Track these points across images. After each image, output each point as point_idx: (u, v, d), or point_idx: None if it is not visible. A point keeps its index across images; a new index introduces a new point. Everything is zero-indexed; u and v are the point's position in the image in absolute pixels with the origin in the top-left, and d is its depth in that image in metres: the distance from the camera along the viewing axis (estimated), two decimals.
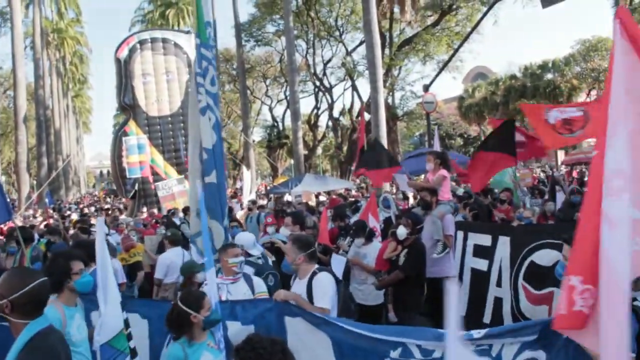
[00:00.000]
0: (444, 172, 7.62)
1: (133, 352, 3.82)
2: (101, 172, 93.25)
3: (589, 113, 8.68)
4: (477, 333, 3.62)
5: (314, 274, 4.77)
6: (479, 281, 6.80)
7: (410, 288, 6.62)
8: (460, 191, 14.33)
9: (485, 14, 23.28)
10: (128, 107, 24.80)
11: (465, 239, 7.29)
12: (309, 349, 4.28)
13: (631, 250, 2.14)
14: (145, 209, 20.63)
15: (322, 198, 20.41)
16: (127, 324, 3.87)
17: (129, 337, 3.85)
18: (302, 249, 4.86)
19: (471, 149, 49.57)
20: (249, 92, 45.12)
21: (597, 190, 2.33)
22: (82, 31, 56.49)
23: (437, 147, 10.16)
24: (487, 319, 6.53)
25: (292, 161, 41.47)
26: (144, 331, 4.73)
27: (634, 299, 3.69)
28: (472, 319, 6.56)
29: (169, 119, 24.78)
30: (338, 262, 7.36)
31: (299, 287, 4.82)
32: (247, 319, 4.47)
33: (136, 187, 24.44)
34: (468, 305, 6.93)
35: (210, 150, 6.64)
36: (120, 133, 24.94)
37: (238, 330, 4.35)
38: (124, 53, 24.69)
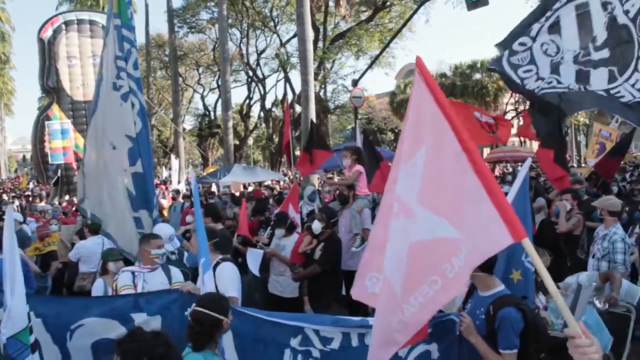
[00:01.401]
0: (359, 167, 7.79)
1: (33, 347, 3.76)
2: (24, 156, 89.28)
3: (498, 122, 9.42)
4: (372, 320, 3.77)
5: (217, 264, 4.83)
6: None
7: (326, 281, 6.75)
8: None
9: (414, 12, 23.68)
10: (51, 90, 23.93)
11: None
12: None
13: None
14: (67, 197, 20.01)
15: (252, 189, 20.40)
16: (29, 317, 3.81)
17: (30, 330, 3.79)
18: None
19: None
20: (181, 79, 44.22)
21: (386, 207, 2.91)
22: (4, 7, 53.78)
23: (359, 142, 10.33)
24: None
25: (223, 151, 41.11)
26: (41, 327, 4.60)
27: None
28: None
29: None
30: (254, 256, 7.41)
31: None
32: (152, 310, 4.45)
33: (59, 174, 23.66)
34: None
35: (134, 138, 6.45)
36: (42, 117, 24.08)
37: (144, 321, 4.35)
38: (47, 33, 23.79)
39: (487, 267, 3.65)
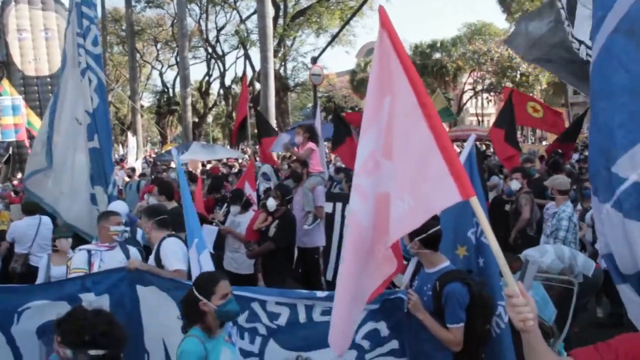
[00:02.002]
0: (312, 145, 7.81)
1: None
2: None
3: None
4: (320, 293, 3.86)
5: (162, 239, 4.82)
6: None
7: (280, 258, 6.78)
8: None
9: None
10: (1, 65, 23.11)
11: (343, 210, 7.52)
12: (159, 320, 4.32)
13: (395, 213, 2.41)
14: (19, 175, 19.51)
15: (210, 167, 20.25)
16: None
17: None
18: (150, 216, 4.89)
19: None
20: (138, 55, 43.35)
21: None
22: None
23: (318, 120, 10.33)
24: None
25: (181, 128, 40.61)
26: None
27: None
28: None
29: (48, 79, 23.25)
30: (209, 233, 7.39)
31: (152, 255, 4.85)
32: (100, 290, 4.39)
33: (10, 151, 22.99)
34: None
35: (92, 114, 6.44)
36: None
37: (92, 301, 4.30)
38: None
39: (433, 244, 3.72)
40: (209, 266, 3.94)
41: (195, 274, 3.91)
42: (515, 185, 8.43)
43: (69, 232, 6.33)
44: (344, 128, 10.97)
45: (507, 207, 8.71)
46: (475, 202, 2.15)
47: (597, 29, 2.55)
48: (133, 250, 5.36)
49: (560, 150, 11.83)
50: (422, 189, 2.29)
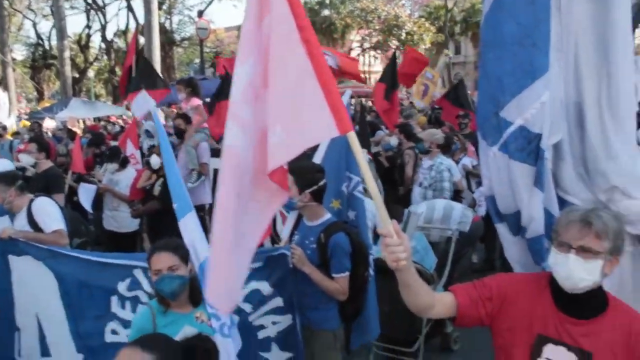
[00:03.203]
0: (196, 100, 7.66)
1: None
2: None
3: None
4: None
5: (31, 202, 4.57)
6: None
7: (165, 217, 6.62)
8: None
9: None
10: None
11: None
12: (33, 291, 4.05)
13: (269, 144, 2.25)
14: None
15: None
16: None
17: None
18: (8, 184, 4.55)
19: None
20: (7, 3, 39.91)
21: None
22: None
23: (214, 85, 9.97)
24: None
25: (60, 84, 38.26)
26: None
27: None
28: None
29: None
30: (86, 191, 7.10)
31: (19, 221, 4.54)
32: None
33: None
34: None
35: None
36: None
37: None
38: None
39: (320, 196, 3.76)
40: (188, 232, 3.03)
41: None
42: (394, 141, 8.71)
43: None
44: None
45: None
46: (352, 138, 2.06)
47: None
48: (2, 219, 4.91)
49: (438, 106, 12.37)
50: (298, 119, 2.15)
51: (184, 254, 2.96)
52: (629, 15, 2.53)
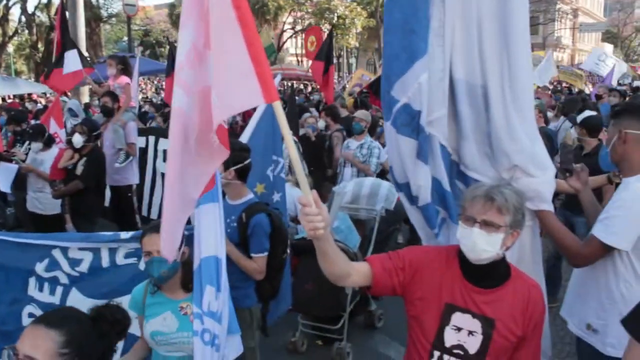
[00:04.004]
0: (126, 78, 7.51)
1: None
2: None
3: None
4: (124, 234, 3.67)
5: None
6: None
7: (89, 197, 6.53)
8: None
9: None
10: None
11: (156, 144, 7.31)
12: None
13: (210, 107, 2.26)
14: None
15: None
16: None
17: None
18: None
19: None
20: None
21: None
22: None
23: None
24: None
25: None
26: None
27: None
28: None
29: None
30: (5, 171, 6.85)
31: None
32: None
33: None
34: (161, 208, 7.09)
35: None
36: None
37: None
38: None
39: (245, 175, 3.82)
40: (203, 220, 2.98)
41: None
42: (321, 124, 8.84)
43: None
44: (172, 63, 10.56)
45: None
46: (278, 107, 2.08)
47: None
48: None
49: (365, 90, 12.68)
50: (228, 84, 2.14)
51: None
52: (526, 8, 2.76)
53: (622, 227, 2.70)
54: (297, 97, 16.11)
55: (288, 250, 4.04)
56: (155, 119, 11.73)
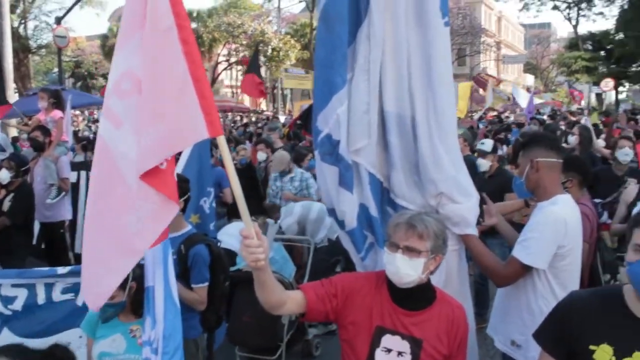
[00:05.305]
0: (59, 112, 7.37)
1: None
2: None
3: None
4: (61, 269, 3.58)
5: None
6: None
7: (17, 235, 6.32)
8: None
9: None
10: None
11: (88, 179, 7.14)
12: None
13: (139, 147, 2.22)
14: None
15: None
16: None
17: None
18: None
19: None
20: None
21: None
22: None
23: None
24: None
25: None
26: None
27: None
28: None
29: None
30: None
31: None
32: None
33: None
34: None
35: None
36: None
37: None
38: None
39: (185, 207, 3.83)
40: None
41: None
42: (261, 156, 8.91)
43: None
44: None
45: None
46: (222, 142, 2.12)
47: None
48: None
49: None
50: (170, 121, 2.12)
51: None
52: (447, 44, 2.97)
53: (539, 248, 2.89)
54: (236, 130, 16.34)
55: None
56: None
